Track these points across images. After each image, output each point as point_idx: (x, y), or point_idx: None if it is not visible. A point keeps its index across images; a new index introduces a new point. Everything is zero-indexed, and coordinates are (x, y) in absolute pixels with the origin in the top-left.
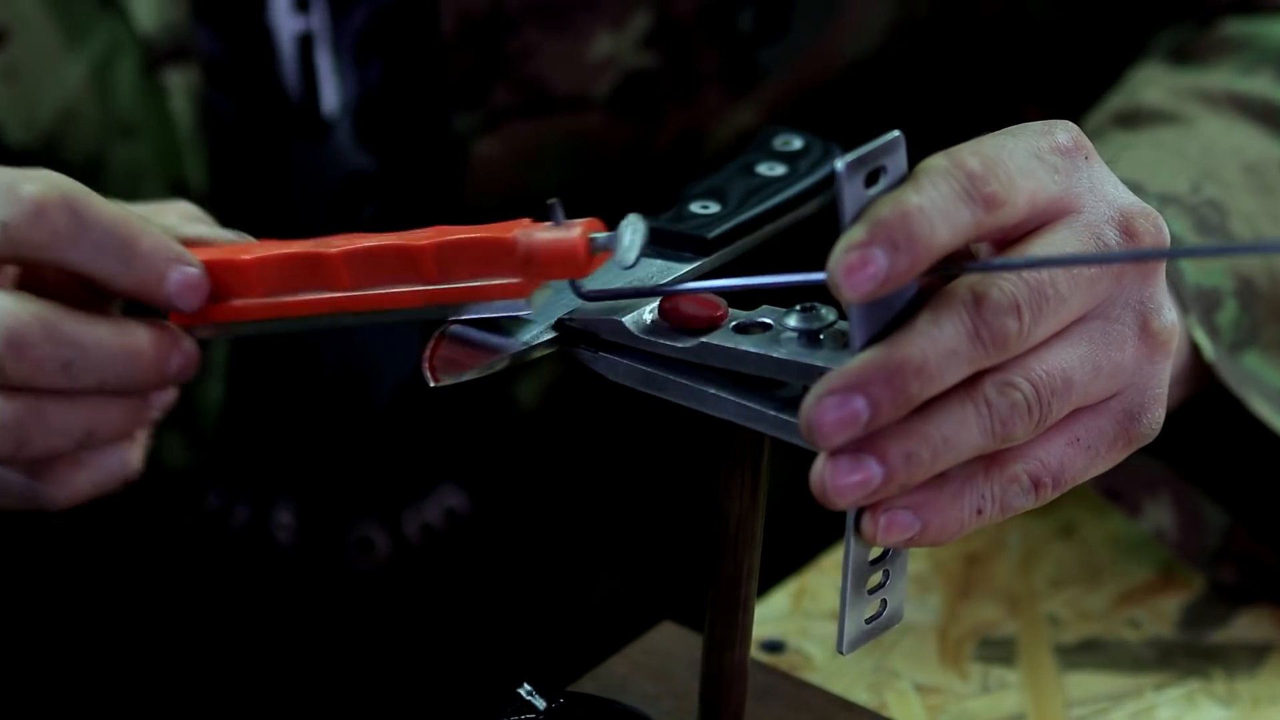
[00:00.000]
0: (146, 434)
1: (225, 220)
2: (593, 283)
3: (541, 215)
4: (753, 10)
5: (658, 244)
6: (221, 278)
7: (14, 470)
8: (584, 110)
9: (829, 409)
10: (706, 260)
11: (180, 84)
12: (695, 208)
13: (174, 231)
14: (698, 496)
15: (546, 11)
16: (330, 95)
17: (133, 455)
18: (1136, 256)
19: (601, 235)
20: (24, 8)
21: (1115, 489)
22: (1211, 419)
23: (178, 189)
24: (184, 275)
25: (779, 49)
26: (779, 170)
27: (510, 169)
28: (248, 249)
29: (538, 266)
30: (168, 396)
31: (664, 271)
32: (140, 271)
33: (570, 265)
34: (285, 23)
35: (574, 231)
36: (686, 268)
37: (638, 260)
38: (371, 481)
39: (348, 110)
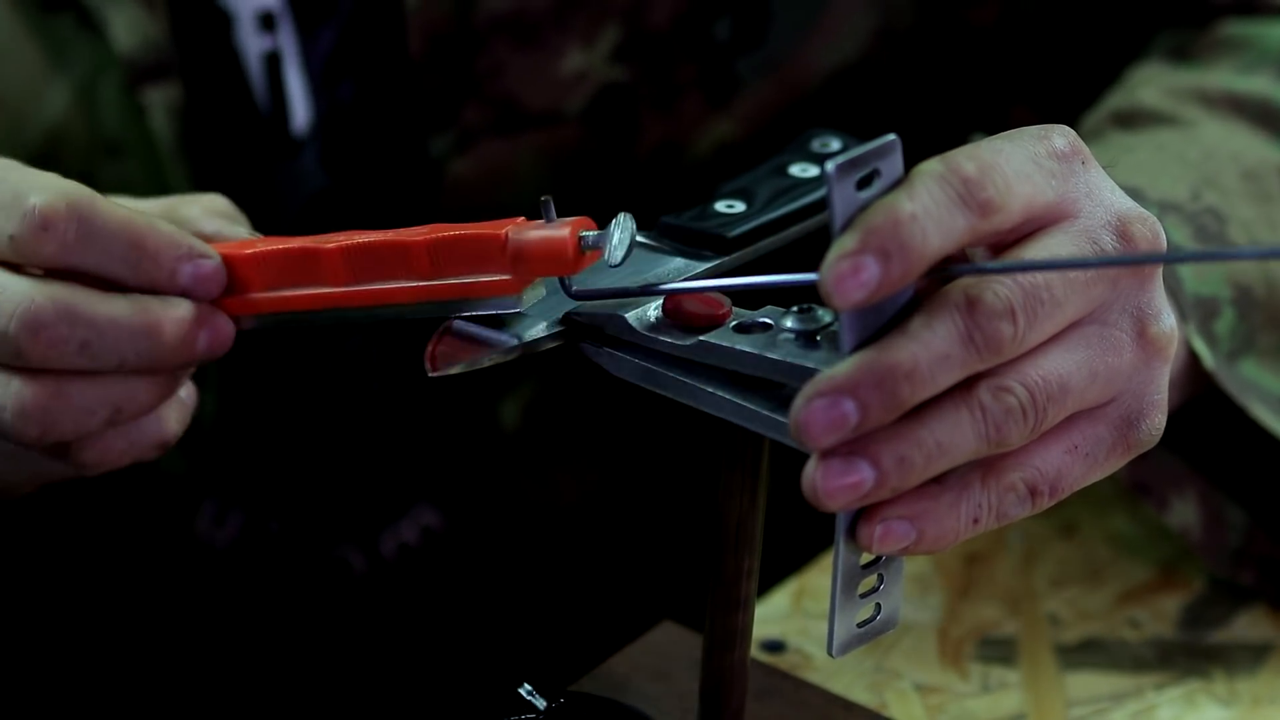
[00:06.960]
0: (187, 402)
1: None
2: (596, 281)
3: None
4: (729, 19)
5: (679, 241)
6: (231, 272)
7: (43, 453)
8: (558, 125)
9: (818, 411)
10: (726, 259)
11: (160, 101)
12: (721, 206)
13: (193, 225)
14: (698, 496)
15: (515, 28)
16: (301, 113)
17: (168, 422)
18: (1131, 261)
19: (591, 233)
20: (5, 34)
21: (1145, 484)
22: (1222, 421)
23: None
24: (196, 268)
25: (757, 58)
26: (812, 171)
27: (485, 187)
28: (252, 244)
29: (527, 263)
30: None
31: (682, 269)
32: (150, 271)
33: (559, 263)
34: (251, 42)
35: (563, 230)
36: (704, 266)
37: (625, 259)
38: (349, 504)
39: (319, 129)
